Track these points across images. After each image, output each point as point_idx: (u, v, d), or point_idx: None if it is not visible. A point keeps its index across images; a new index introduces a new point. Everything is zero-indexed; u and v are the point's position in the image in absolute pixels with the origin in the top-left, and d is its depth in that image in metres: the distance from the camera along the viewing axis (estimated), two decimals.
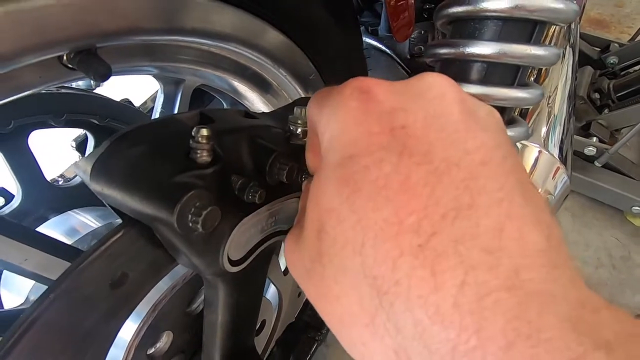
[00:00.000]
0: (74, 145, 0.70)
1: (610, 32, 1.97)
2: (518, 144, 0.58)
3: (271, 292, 0.64)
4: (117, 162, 0.27)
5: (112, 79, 0.31)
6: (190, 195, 0.25)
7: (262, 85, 0.53)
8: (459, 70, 0.35)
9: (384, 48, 0.79)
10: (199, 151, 0.27)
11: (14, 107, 0.50)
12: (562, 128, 0.63)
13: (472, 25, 0.33)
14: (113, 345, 0.32)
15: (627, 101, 1.29)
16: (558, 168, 0.58)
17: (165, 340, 0.39)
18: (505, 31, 0.32)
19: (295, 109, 0.38)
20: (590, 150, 1.23)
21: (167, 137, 0.29)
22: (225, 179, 0.30)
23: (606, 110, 1.34)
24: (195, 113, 0.33)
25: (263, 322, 0.58)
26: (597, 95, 1.38)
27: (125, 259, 0.29)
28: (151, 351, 0.38)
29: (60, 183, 0.65)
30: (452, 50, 0.34)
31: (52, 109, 0.53)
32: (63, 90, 0.56)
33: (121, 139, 0.28)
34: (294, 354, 0.42)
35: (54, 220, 0.55)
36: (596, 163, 1.24)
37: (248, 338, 0.44)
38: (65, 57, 0.27)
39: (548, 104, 0.65)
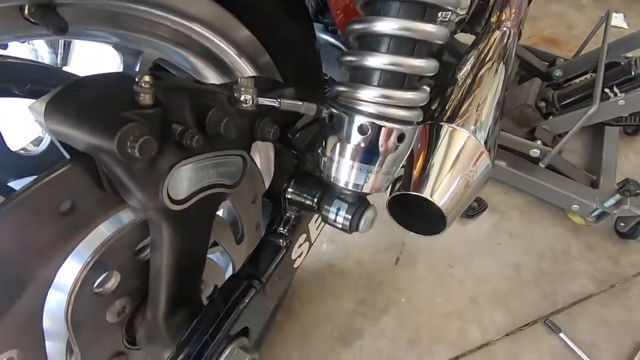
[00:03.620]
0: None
1: (561, 50, 2.15)
2: (449, 127, 0.66)
3: (224, 259, 0.69)
4: (68, 101, 0.32)
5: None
6: (129, 126, 0.30)
7: (218, 65, 0.58)
8: (362, 75, 0.41)
9: (337, 43, 0.87)
10: (141, 94, 0.32)
11: None
12: (489, 126, 0.72)
13: (369, 40, 0.40)
14: (62, 275, 0.36)
15: (569, 109, 1.42)
16: (482, 152, 0.66)
17: (112, 282, 0.43)
18: (394, 45, 0.38)
19: (240, 78, 0.43)
20: (534, 152, 1.35)
21: (115, 83, 0.34)
22: (167, 124, 0.35)
23: (551, 117, 1.46)
24: (145, 72, 0.38)
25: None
26: (543, 104, 1.51)
27: (71, 190, 0.33)
28: (99, 290, 0.42)
29: (22, 153, 0.67)
30: (355, 59, 0.40)
31: (17, 78, 0.56)
32: (28, 62, 0.59)
33: (73, 84, 0.33)
34: (233, 299, 0.47)
35: (13, 184, 0.57)
36: (540, 164, 1.36)
37: (193, 286, 0.49)
38: (26, 10, 0.32)
39: (477, 109, 0.73)
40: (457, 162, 0.62)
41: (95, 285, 0.41)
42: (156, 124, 0.33)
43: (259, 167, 0.68)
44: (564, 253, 1.33)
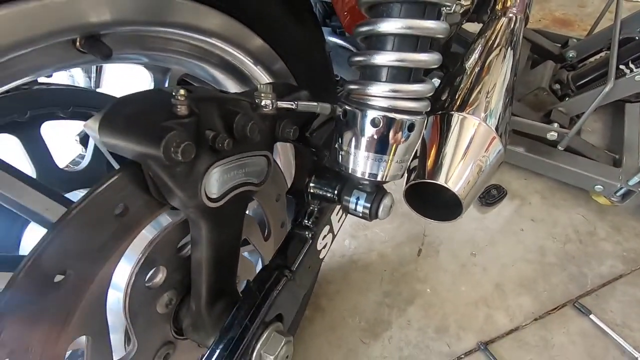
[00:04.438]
0: (78, 140, 0.79)
1: (574, 30, 2.11)
2: (459, 116, 0.68)
3: (254, 257, 0.73)
4: (116, 117, 0.37)
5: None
6: (171, 134, 0.34)
7: (237, 75, 0.63)
8: (371, 73, 0.44)
9: (346, 45, 0.90)
10: (178, 106, 0.37)
11: (29, 100, 0.59)
12: (499, 112, 0.74)
13: (376, 40, 0.43)
14: (119, 270, 0.41)
15: (585, 89, 1.40)
16: (494, 138, 0.68)
17: (160, 276, 0.48)
18: (398, 43, 0.42)
19: (259, 85, 0.48)
20: (552, 135, 1.34)
21: (154, 98, 0.38)
22: (201, 131, 0.40)
23: (566, 99, 1.45)
24: (177, 87, 0.43)
25: (248, 282, 0.67)
26: (557, 86, 1.49)
27: (123, 195, 0.38)
28: (149, 284, 0.47)
29: (67, 169, 0.74)
30: (363, 58, 0.43)
31: (60, 102, 0.63)
32: (69, 87, 0.65)
33: (119, 102, 0.38)
34: (267, 287, 0.51)
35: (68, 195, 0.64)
36: (559, 147, 1.35)
37: (230, 278, 0.53)
38: (77, 42, 0.37)
39: (487, 96, 0.75)
40: (469, 148, 0.64)
41: (145, 280, 0.46)
42: (192, 131, 0.38)
43: (280, 167, 0.72)
44: (590, 235, 1.31)
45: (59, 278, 0.34)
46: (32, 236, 0.58)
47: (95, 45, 0.37)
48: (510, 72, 0.83)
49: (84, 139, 0.78)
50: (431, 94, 0.43)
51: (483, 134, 0.67)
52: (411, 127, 0.43)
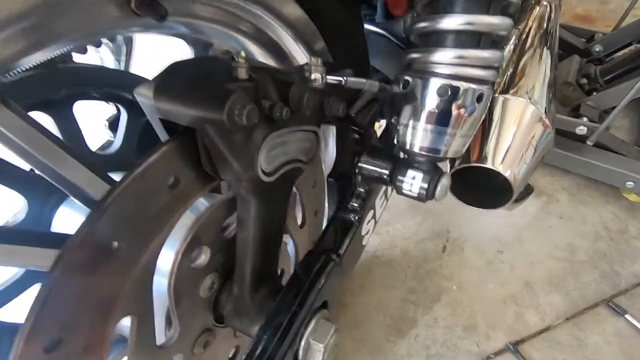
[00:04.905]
0: (107, 125, 0.77)
1: (597, 26, 2.06)
2: (504, 97, 0.65)
3: (289, 246, 0.71)
4: (173, 81, 0.34)
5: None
6: (236, 95, 0.32)
7: (278, 52, 0.61)
8: (437, 39, 0.41)
9: (381, 31, 0.88)
10: (239, 69, 0.34)
11: (64, 77, 0.57)
12: (545, 95, 0.70)
13: (442, 3, 0.40)
14: (165, 248, 0.39)
15: (614, 83, 1.37)
16: (543, 119, 0.65)
17: (204, 257, 0.45)
18: (467, 4, 0.39)
19: (310, 58, 0.45)
20: (581, 130, 1.30)
21: (209, 64, 0.36)
22: (257, 98, 0.37)
23: (594, 94, 1.41)
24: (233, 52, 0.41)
25: (282, 271, 0.64)
26: (585, 81, 1.46)
27: (175, 165, 0.36)
28: (194, 264, 0.45)
29: (99, 153, 0.72)
30: (427, 24, 0.41)
31: (95, 82, 0.61)
32: (101, 68, 0.64)
33: (174, 66, 0.35)
34: (315, 272, 0.48)
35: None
36: (588, 142, 1.31)
37: (273, 262, 0.51)
38: (133, 3, 0.35)
39: (531, 79, 0.72)
40: (518, 130, 0.61)
41: (191, 260, 0.43)
42: (252, 96, 0.35)
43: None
44: (621, 233, 1.27)
45: (113, 246, 0.32)
46: (66, 214, 0.56)
47: (151, 6, 0.35)
48: (552, 57, 0.80)
49: (112, 124, 0.76)
50: (501, 62, 0.41)
51: (532, 116, 0.64)
52: (479, 98, 0.40)
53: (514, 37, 0.85)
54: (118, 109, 0.68)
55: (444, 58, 0.40)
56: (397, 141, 0.45)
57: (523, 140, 0.60)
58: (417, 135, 0.43)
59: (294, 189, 0.63)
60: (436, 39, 0.41)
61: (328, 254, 0.49)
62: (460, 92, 0.40)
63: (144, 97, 0.36)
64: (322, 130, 0.71)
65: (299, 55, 0.62)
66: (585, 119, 1.31)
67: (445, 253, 1.26)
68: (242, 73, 0.35)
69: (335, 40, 0.65)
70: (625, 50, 1.49)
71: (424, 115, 0.42)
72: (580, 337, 1.04)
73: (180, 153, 0.37)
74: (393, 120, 0.46)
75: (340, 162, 0.55)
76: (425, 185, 0.45)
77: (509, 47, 0.82)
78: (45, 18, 0.31)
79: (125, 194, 0.34)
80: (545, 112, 0.66)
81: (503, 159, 0.59)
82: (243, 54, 0.34)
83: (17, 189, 0.53)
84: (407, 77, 0.43)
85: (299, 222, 0.65)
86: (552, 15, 0.94)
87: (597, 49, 1.55)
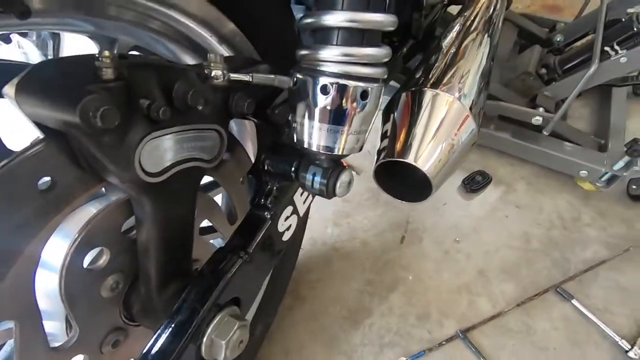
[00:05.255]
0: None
1: (565, 15, 2.08)
2: (432, 92, 0.65)
3: (218, 241, 0.71)
4: (34, 81, 0.33)
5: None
6: (90, 97, 0.31)
7: (197, 49, 0.59)
8: (322, 36, 0.41)
9: None
10: (103, 69, 0.34)
11: None
12: (474, 92, 0.70)
13: (320, 35, 0.40)
14: (52, 252, 0.38)
15: (571, 73, 1.38)
16: (467, 116, 0.65)
17: (104, 258, 0.45)
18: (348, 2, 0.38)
19: (209, 55, 0.44)
20: (537, 120, 1.32)
21: (77, 62, 0.35)
22: (134, 99, 0.37)
23: (553, 83, 1.42)
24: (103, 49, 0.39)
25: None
26: (544, 71, 1.47)
27: (49, 167, 0.35)
28: (91, 266, 0.44)
29: None
30: (313, 20, 0.40)
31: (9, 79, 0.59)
32: (19, 63, 0.61)
33: (38, 66, 0.34)
34: (220, 269, 0.48)
35: None
36: (544, 132, 1.32)
37: (184, 260, 0.50)
38: None
39: (462, 75, 0.72)
40: (441, 126, 0.62)
41: (84, 262, 0.43)
42: (120, 97, 0.35)
43: (251, 150, 0.69)
44: (574, 221, 1.30)
45: None
46: None
47: (10, 2, 0.34)
48: (487, 53, 0.80)
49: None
50: (388, 59, 0.41)
51: (456, 112, 0.65)
52: (364, 95, 0.40)
53: (453, 30, 0.85)
54: None
55: (329, 55, 0.39)
56: (296, 139, 0.45)
57: (446, 136, 0.61)
58: (310, 132, 0.43)
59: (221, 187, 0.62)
60: (321, 36, 0.41)
61: (236, 251, 0.49)
62: (345, 90, 0.39)
63: (9, 97, 0.35)
64: (245, 127, 0.71)
65: (219, 50, 0.61)
66: (541, 109, 1.33)
67: (404, 244, 1.28)
68: (108, 73, 0.34)
69: (263, 36, 0.64)
70: (583, 40, 1.50)
71: (313, 113, 0.42)
72: (529, 323, 1.07)
73: (54, 154, 0.36)
74: (290, 118, 0.45)
75: (256, 159, 0.55)
76: (325, 182, 0.45)
77: (447, 40, 0.82)
78: None
79: None
80: (471, 106, 0.66)
81: (423, 154, 0.59)
82: (107, 52, 0.33)
83: None
84: (297, 75, 0.42)
85: (227, 219, 0.65)
86: (497, 9, 0.94)
87: (557, 39, 1.57)
